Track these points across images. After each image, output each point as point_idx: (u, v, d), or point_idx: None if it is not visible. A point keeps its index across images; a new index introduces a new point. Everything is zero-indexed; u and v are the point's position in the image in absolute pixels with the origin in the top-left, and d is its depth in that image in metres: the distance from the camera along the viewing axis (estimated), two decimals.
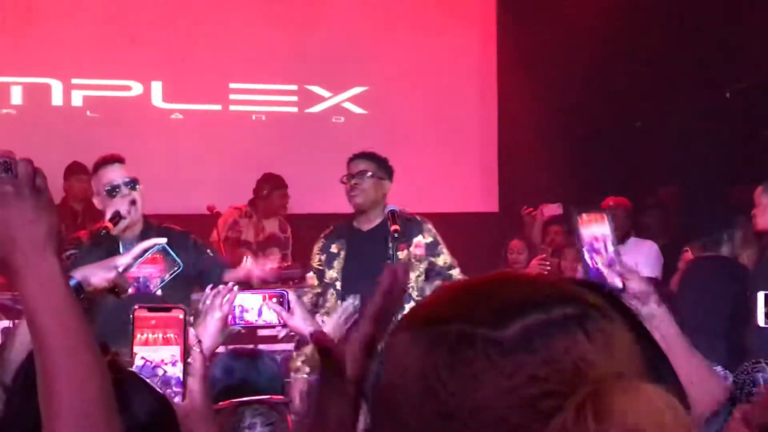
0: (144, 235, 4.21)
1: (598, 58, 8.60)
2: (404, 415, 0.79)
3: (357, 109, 9.34)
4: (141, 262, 2.33)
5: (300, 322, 2.34)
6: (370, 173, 4.81)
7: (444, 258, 4.72)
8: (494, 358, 0.76)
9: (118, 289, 2.19)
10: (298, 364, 4.46)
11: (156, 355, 1.68)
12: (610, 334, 0.78)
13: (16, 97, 8.49)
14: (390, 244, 4.55)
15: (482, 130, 9.60)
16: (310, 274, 4.92)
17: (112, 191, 4.28)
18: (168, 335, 1.68)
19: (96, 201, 4.43)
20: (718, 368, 4.34)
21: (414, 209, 5.00)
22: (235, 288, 2.34)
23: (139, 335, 1.68)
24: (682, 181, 8.47)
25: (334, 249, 4.85)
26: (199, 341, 1.80)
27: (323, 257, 4.87)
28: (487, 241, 7.94)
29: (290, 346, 4.79)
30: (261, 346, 5.17)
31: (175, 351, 1.68)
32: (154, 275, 2.38)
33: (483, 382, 0.76)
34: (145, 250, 2.35)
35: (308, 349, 4.69)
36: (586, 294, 0.81)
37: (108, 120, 8.56)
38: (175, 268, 2.44)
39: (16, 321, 6.30)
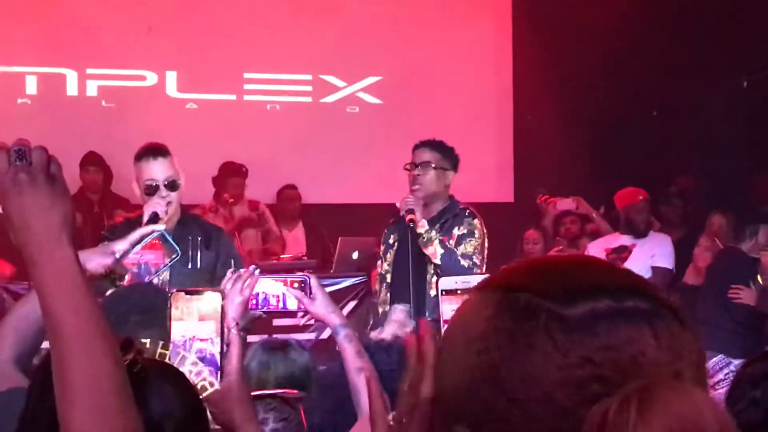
0: (181, 227, 4.17)
1: (615, 47, 8.55)
2: (455, 375, 0.81)
3: (372, 99, 9.31)
4: (140, 248, 2.31)
5: (322, 309, 2.31)
6: (433, 164, 4.72)
7: (464, 248, 4.64)
8: (554, 333, 0.76)
9: (114, 276, 2.17)
10: None
11: (191, 330, 1.66)
12: (679, 337, 0.78)
13: (31, 86, 8.51)
14: (409, 233, 4.51)
15: (498, 120, 9.56)
16: (379, 262, 4.88)
17: (150, 190, 4.13)
18: (203, 312, 1.67)
19: (134, 187, 4.27)
20: (719, 357, 4.31)
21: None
22: (257, 272, 2.32)
23: (174, 310, 1.66)
24: (699, 170, 8.42)
25: (391, 240, 4.81)
26: (237, 323, 1.77)
27: (383, 247, 4.86)
28: (503, 232, 7.89)
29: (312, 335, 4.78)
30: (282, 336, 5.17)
31: (211, 327, 1.66)
32: (153, 262, 2.36)
33: (538, 355, 0.76)
34: (143, 237, 2.32)
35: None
36: (664, 294, 0.81)
37: (123, 110, 8.56)
38: (174, 256, 2.42)
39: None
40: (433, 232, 4.58)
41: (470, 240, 4.67)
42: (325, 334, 6.86)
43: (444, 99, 9.24)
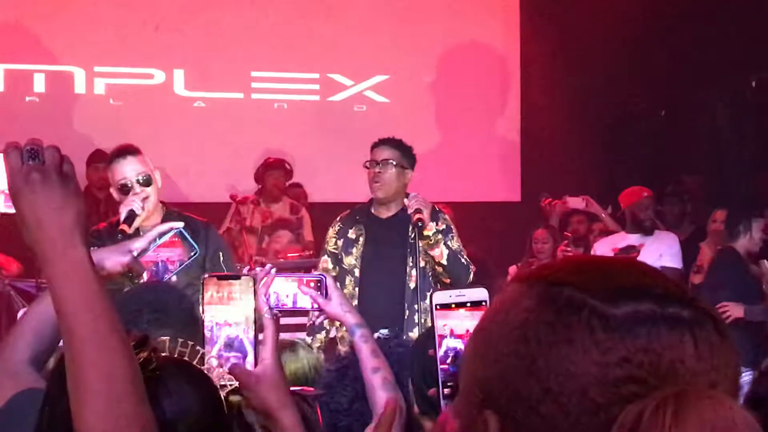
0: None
1: (623, 47, 8.53)
2: (490, 361, 0.82)
3: (379, 98, 9.31)
4: (158, 246, 2.31)
5: (337, 308, 2.30)
6: (394, 162, 4.77)
7: (452, 243, 4.68)
8: (596, 330, 0.77)
9: (132, 274, 2.17)
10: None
11: (221, 315, 1.66)
12: (718, 348, 0.78)
13: (39, 85, 8.52)
14: (411, 233, 4.52)
15: (505, 119, 9.55)
16: (324, 257, 4.86)
17: (124, 190, 4.16)
18: (234, 296, 1.66)
19: (113, 192, 4.32)
20: None
21: (436, 199, 4.97)
22: (273, 270, 2.31)
23: (206, 293, 1.66)
24: (706, 169, 8.40)
25: (351, 235, 4.81)
26: (270, 308, 1.75)
27: (340, 242, 4.82)
28: (510, 231, 7.90)
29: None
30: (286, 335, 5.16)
31: (241, 312, 1.65)
32: (172, 259, 2.35)
33: (577, 350, 0.77)
34: (161, 234, 2.32)
35: (322, 335, 4.68)
36: (707, 304, 0.81)
37: (130, 108, 8.57)
38: (192, 253, 2.41)
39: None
40: (440, 234, 4.60)
41: (452, 235, 4.71)
42: (330, 335, 6.87)
43: (451, 97, 9.23)
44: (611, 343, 0.76)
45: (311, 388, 2.35)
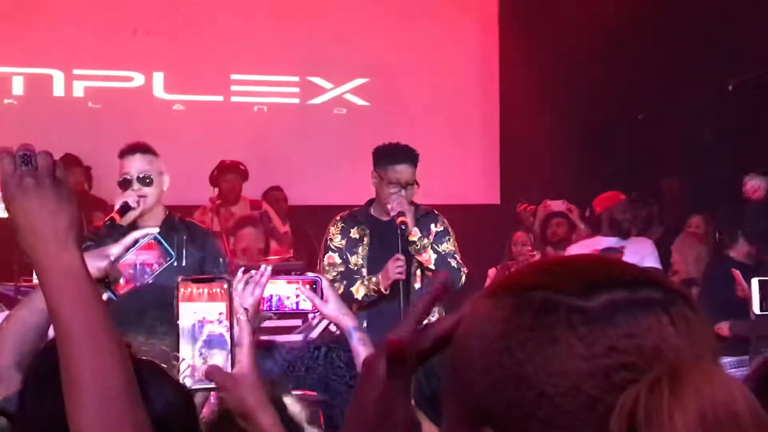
0: (167, 227, 4.17)
1: (601, 50, 8.58)
2: (473, 378, 0.82)
3: (359, 101, 9.33)
4: (135, 250, 2.31)
5: (334, 311, 2.30)
6: (415, 183, 4.71)
7: (446, 246, 4.71)
8: (576, 326, 0.78)
9: (109, 280, 2.17)
10: None
11: (201, 312, 1.66)
12: (693, 321, 0.80)
13: (18, 87, 8.49)
14: (399, 235, 4.54)
15: (484, 122, 9.58)
16: (330, 253, 4.78)
17: (124, 185, 4.17)
18: (213, 291, 1.66)
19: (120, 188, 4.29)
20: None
21: (415, 200, 4.98)
22: (269, 270, 2.30)
23: (183, 290, 1.66)
24: (684, 174, 8.46)
25: (354, 234, 4.77)
26: (246, 309, 1.75)
27: (344, 241, 4.79)
28: (489, 233, 7.94)
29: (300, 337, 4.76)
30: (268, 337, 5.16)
31: (221, 308, 1.65)
32: (149, 262, 2.35)
33: (562, 348, 0.77)
34: (137, 240, 2.32)
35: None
36: (675, 284, 0.84)
37: (109, 111, 8.55)
38: (169, 259, 2.41)
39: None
40: (426, 239, 4.62)
41: (448, 238, 4.74)
42: (313, 334, 6.86)
43: (431, 101, 9.26)
44: (594, 336, 0.77)
45: (313, 393, 2.33)
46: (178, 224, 4.35)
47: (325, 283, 2.31)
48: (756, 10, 7.92)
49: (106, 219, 4.11)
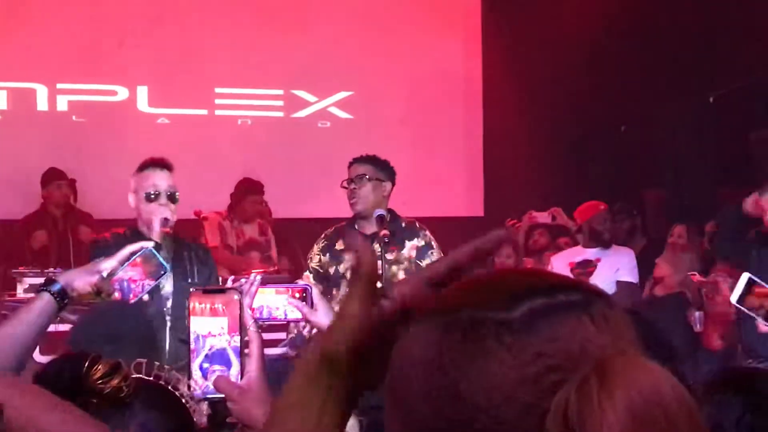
0: (177, 243, 4.26)
1: (583, 62, 8.64)
2: (413, 402, 0.83)
3: (343, 114, 9.35)
4: (128, 265, 2.30)
5: (323, 318, 2.30)
6: (368, 176, 4.80)
7: (429, 261, 4.72)
8: (503, 337, 0.80)
9: (102, 294, 2.17)
10: None
11: (206, 327, 1.66)
12: (613, 318, 0.82)
13: (1, 101, 8.47)
14: (379, 247, 4.57)
15: (467, 135, 9.62)
16: (306, 273, 4.90)
17: (152, 196, 4.16)
18: (216, 306, 1.66)
19: (131, 199, 4.28)
20: None
21: (399, 213, 5.01)
22: (258, 279, 2.30)
23: (191, 305, 1.66)
24: (667, 184, 8.51)
25: (339, 246, 4.84)
26: (255, 320, 1.75)
27: (325, 257, 4.86)
28: None
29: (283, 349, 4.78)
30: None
31: (223, 323, 1.65)
32: (134, 278, 2.34)
33: (492, 361, 0.79)
34: (133, 254, 2.32)
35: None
36: (590, 285, 0.86)
37: (94, 125, 8.54)
38: (162, 272, 2.40)
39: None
40: (395, 267, 4.67)
41: (431, 252, 4.78)
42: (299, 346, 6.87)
43: (414, 113, 9.30)
44: (520, 344, 0.79)
45: None
46: (183, 240, 4.39)
47: (315, 292, 2.31)
48: (737, 23, 8.00)
49: (128, 239, 3.97)
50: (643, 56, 8.58)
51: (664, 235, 6.99)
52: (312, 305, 2.29)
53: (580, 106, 8.95)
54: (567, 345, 0.79)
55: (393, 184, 4.91)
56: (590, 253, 6.35)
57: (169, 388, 1.49)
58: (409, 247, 4.77)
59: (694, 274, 5.75)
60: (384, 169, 4.89)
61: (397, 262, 4.71)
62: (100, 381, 1.26)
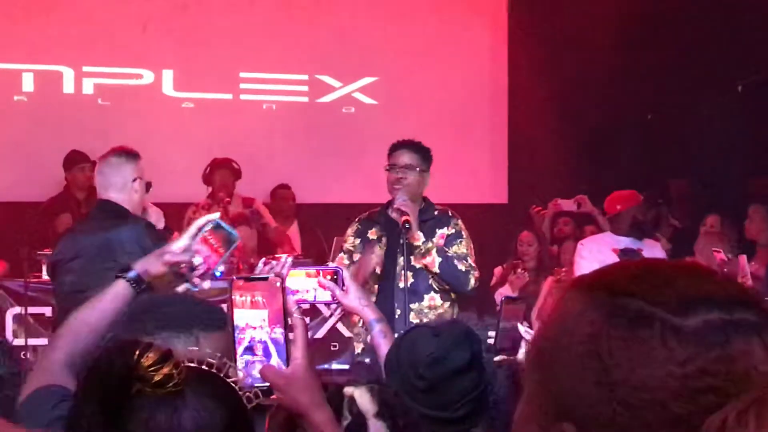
0: None
1: (610, 51, 8.57)
2: (560, 372, 0.83)
3: (367, 100, 9.33)
4: (200, 240, 2.29)
5: (355, 302, 2.31)
6: (417, 168, 4.79)
7: (457, 248, 4.73)
8: (670, 342, 0.79)
9: (179, 272, 2.21)
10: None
11: (245, 318, 1.66)
12: None
13: (28, 84, 8.51)
14: (402, 233, 4.57)
15: (493, 121, 9.58)
16: (341, 255, 4.88)
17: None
18: (256, 299, 1.66)
19: (138, 185, 4.45)
20: None
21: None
22: (289, 261, 2.30)
23: (234, 297, 1.66)
24: (694, 174, 8.45)
25: (371, 235, 4.82)
26: (299, 307, 1.75)
27: (357, 241, 4.84)
28: (496, 233, 7.93)
29: None
30: None
31: (264, 315, 1.65)
32: (207, 254, 2.32)
33: (652, 363, 0.78)
34: (200, 228, 2.31)
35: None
36: (765, 304, 0.83)
37: (119, 108, 8.57)
38: (232, 241, 2.36)
39: (29, 307, 6.34)
40: (430, 243, 4.65)
41: (460, 240, 4.76)
42: (319, 335, 6.89)
43: (439, 99, 9.26)
44: (687, 355, 0.78)
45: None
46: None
47: (346, 274, 2.32)
48: (766, 11, 7.91)
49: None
50: (670, 44, 8.51)
51: (691, 225, 6.94)
52: (343, 287, 2.29)
53: (606, 94, 8.88)
54: (733, 367, 0.78)
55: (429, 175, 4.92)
56: (626, 242, 6.17)
57: (221, 375, 1.48)
58: (438, 236, 4.74)
59: (719, 251, 5.67)
60: (426, 159, 4.88)
61: (425, 249, 4.68)
62: (151, 369, 1.25)
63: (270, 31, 8.90)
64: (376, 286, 4.67)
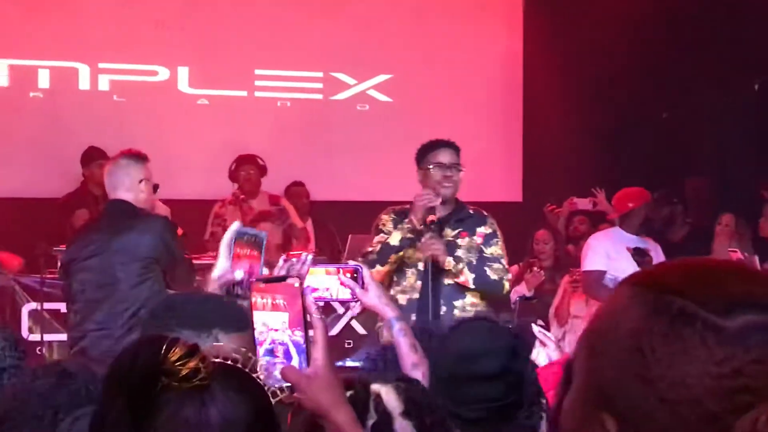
0: None
1: (626, 48, 8.54)
2: (605, 365, 0.85)
3: (382, 97, 9.33)
4: (234, 254, 2.29)
5: (375, 300, 2.30)
6: (460, 168, 4.81)
7: (494, 249, 4.75)
8: (709, 342, 0.80)
9: (233, 293, 2.22)
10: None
11: (265, 320, 1.66)
12: None
13: (44, 80, 8.54)
14: (433, 229, 4.58)
15: (507, 119, 9.56)
16: (381, 235, 4.77)
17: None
18: (277, 302, 1.66)
19: (147, 187, 4.66)
20: None
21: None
22: (309, 258, 2.30)
23: (255, 299, 1.66)
24: (709, 172, 8.41)
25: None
26: (319, 307, 1.75)
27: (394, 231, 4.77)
28: (511, 231, 7.89)
29: None
30: None
31: (284, 318, 1.65)
32: (250, 267, 2.32)
33: (691, 361, 0.80)
34: (230, 245, 2.31)
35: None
36: None
37: (134, 105, 8.59)
38: (260, 240, 2.35)
39: (44, 303, 6.36)
40: (461, 264, 4.64)
41: (497, 240, 4.80)
42: (333, 332, 6.88)
43: (454, 97, 9.25)
44: (725, 355, 0.79)
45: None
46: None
47: (366, 272, 2.30)
48: None
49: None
50: (687, 42, 8.47)
51: (706, 224, 6.91)
52: (363, 285, 2.29)
53: (622, 92, 8.86)
54: None
55: None
56: (634, 240, 6.13)
57: (247, 371, 1.48)
58: (478, 233, 4.76)
59: (735, 251, 5.66)
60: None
61: (467, 247, 4.69)
62: (178, 363, 1.24)
63: (285, 29, 8.90)
64: (419, 283, 4.65)
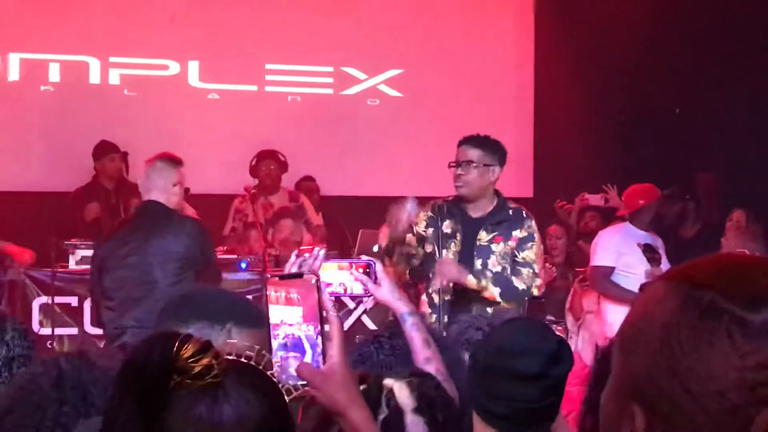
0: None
1: (638, 43, 8.51)
2: (636, 357, 0.88)
3: (392, 92, 9.31)
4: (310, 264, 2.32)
5: (388, 295, 2.29)
6: (474, 164, 4.66)
7: (527, 253, 4.63)
8: (735, 335, 0.82)
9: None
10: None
11: (280, 315, 1.65)
12: None
13: (54, 74, 8.54)
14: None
15: (518, 115, 9.53)
16: (410, 236, 4.70)
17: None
18: (291, 296, 1.64)
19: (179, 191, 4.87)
20: None
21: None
22: (322, 253, 2.29)
23: (268, 293, 1.65)
24: (722, 167, 8.37)
25: (447, 229, 4.69)
26: (334, 305, 1.74)
27: (430, 230, 4.70)
28: None
29: None
30: None
31: (299, 312, 1.64)
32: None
33: (717, 354, 0.83)
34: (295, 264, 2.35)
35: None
36: None
37: (145, 99, 8.59)
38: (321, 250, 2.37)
39: (55, 297, 6.37)
40: (484, 281, 4.54)
41: (531, 245, 4.65)
42: (344, 327, 6.88)
43: (464, 92, 9.23)
44: (749, 348, 0.81)
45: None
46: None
47: (378, 267, 2.29)
48: None
49: None
50: (699, 37, 8.43)
51: (719, 220, 6.88)
52: (376, 280, 2.27)
53: (633, 88, 8.82)
54: None
55: (502, 166, 4.78)
56: (644, 237, 6.10)
57: (260, 368, 1.46)
58: (512, 238, 4.64)
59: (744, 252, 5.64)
60: (494, 153, 4.75)
61: (501, 253, 4.60)
62: (190, 360, 1.23)
63: (295, 23, 8.88)
64: (451, 285, 4.57)
